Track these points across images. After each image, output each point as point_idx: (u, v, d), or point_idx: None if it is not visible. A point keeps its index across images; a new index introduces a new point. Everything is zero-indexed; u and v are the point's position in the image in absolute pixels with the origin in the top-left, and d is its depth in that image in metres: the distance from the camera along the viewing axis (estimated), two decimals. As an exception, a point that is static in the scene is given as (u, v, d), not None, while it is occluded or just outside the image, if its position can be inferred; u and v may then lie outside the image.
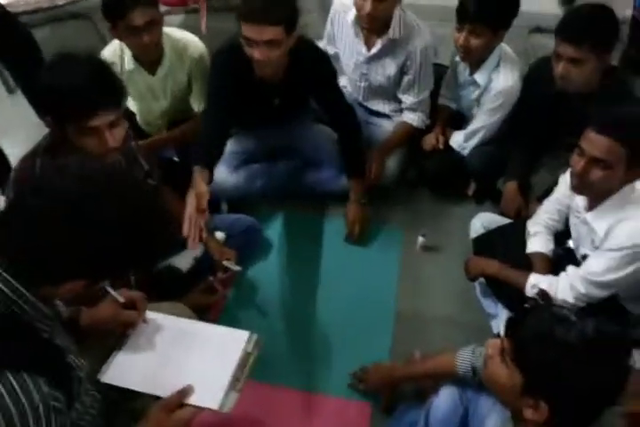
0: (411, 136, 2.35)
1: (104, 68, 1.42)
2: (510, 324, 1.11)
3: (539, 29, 3.26)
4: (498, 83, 2.10)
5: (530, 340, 1.03)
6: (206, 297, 1.85)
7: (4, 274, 0.87)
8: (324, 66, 2.05)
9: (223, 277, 1.88)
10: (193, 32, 2.42)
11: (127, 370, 1.19)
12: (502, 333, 1.13)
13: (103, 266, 0.90)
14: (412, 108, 2.29)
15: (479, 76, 2.14)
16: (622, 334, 1.06)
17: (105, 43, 3.03)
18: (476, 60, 2.12)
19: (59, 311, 1.05)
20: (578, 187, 1.53)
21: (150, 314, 1.30)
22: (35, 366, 0.87)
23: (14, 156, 2.29)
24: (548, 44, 2.99)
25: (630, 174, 1.45)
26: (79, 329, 1.21)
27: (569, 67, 1.78)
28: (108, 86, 1.39)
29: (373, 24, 2.07)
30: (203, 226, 1.65)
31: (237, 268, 1.89)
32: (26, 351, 0.88)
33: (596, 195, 1.53)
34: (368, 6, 1.96)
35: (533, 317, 1.06)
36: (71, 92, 1.34)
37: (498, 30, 2.03)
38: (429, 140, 2.33)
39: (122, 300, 1.26)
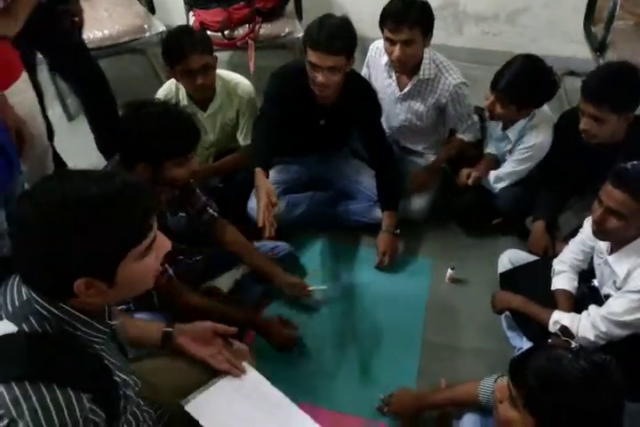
0: (461, 150, 2.47)
1: (180, 108, 1.67)
2: (513, 369, 1.19)
3: (572, 73, 3.36)
4: (529, 139, 2.18)
5: (536, 386, 1.11)
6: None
7: (51, 302, 0.94)
8: (373, 98, 2.23)
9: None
10: (240, 68, 2.60)
11: (208, 408, 1.28)
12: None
13: (94, 261, 0.91)
14: (462, 132, 2.44)
15: (511, 133, 2.23)
16: (611, 360, 1.14)
17: (157, 75, 3.28)
18: (502, 120, 2.23)
19: (112, 326, 1.09)
20: (597, 233, 1.63)
21: (250, 369, 1.39)
22: (80, 383, 0.94)
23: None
24: (581, 86, 3.08)
25: None
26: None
27: (590, 122, 1.88)
28: (194, 122, 1.64)
29: (404, 66, 2.22)
30: (273, 219, 1.88)
31: (323, 287, 2.13)
32: (74, 369, 0.95)
33: (616, 241, 1.62)
34: (397, 51, 2.10)
35: (533, 361, 1.14)
36: (179, 133, 1.57)
37: (524, 108, 2.12)
38: (462, 179, 2.40)
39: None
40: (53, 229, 0.87)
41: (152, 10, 3.00)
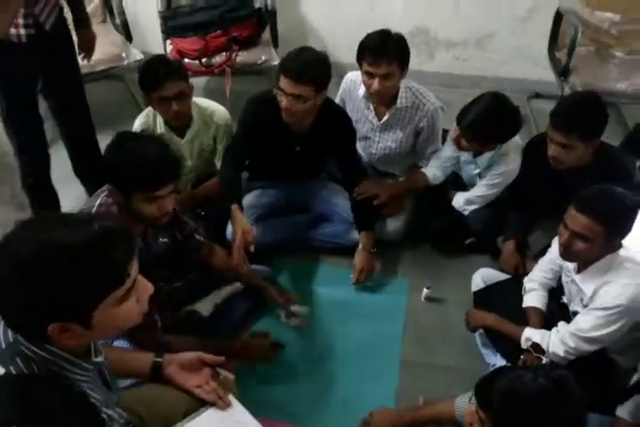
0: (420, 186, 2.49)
1: (169, 149, 1.65)
2: (479, 393, 1.25)
3: (538, 95, 3.49)
4: (499, 166, 2.27)
5: (501, 407, 1.18)
6: (257, 341, 1.99)
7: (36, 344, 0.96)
8: (347, 125, 2.31)
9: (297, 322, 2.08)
10: (216, 93, 2.63)
11: None
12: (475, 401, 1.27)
13: (67, 307, 0.90)
14: (427, 158, 2.49)
15: (480, 161, 2.32)
16: (568, 375, 1.22)
17: (135, 100, 3.32)
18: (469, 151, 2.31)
19: (99, 363, 1.11)
20: (564, 255, 1.70)
21: (234, 401, 1.40)
22: (67, 423, 0.95)
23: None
24: (547, 108, 3.20)
25: (610, 245, 1.63)
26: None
27: (559, 150, 1.97)
28: (170, 165, 1.63)
29: (382, 99, 2.30)
30: (246, 257, 2.02)
31: (304, 308, 2.13)
32: (61, 410, 0.96)
33: (582, 261, 1.70)
34: (375, 84, 2.18)
35: (496, 384, 1.21)
36: (146, 169, 1.56)
37: (487, 144, 2.20)
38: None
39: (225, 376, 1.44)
40: (26, 276, 0.88)
41: (129, 38, 3.05)
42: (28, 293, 0.88)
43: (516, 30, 3.36)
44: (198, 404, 1.38)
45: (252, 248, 2.05)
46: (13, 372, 0.94)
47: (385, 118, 2.39)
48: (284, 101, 2.03)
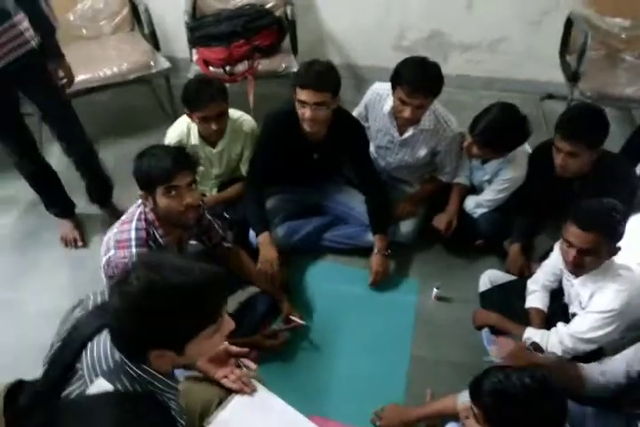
0: (439, 189, 2.65)
1: (179, 148, 1.86)
2: (472, 390, 1.38)
3: (550, 96, 3.57)
4: (506, 172, 2.38)
5: (491, 403, 1.32)
6: (269, 341, 2.15)
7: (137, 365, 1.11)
8: (359, 132, 2.43)
9: (287, 328, 2.22)
10: (239, 97, 2.75)
11: None
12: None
13: (168, 339, 1.06)
14: (443, 174, 2.62)
15: (489, 167, 2.43)
16: (551, 374, 1.35)
17: (161, 104, 3.45)
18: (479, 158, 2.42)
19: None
20: (574, 271, 1.82)
21: (259, 386, 1.55)
22: None
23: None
24: (559, 109, 3.26)
25: (611, 252, 1.75)
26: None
27: (567, 159, 2.08)
28: (183, 158, 1.79)
29: (410, 123, 2.40)
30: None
31: (302, 322, 2.24)
32: (156, 423, 1.11)
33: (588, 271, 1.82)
34: (408, 113, 2.26)
35: (487, 382, 1.34)
36: (160, 159, 1.75)
37: (498, 151, 2.32)
38: (440, 222, 2.55)
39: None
40: (136, 310, 1.02)
41: (157, 47, 3.19)
42: (137, 324, 1.03)
43: (528, 33, 3.41)
44: (229, 394, 1.53)
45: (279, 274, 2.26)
46: (120, 389, 1.08)
47: (405, 136, 2.47)
48: (306, 113, 2.16)
